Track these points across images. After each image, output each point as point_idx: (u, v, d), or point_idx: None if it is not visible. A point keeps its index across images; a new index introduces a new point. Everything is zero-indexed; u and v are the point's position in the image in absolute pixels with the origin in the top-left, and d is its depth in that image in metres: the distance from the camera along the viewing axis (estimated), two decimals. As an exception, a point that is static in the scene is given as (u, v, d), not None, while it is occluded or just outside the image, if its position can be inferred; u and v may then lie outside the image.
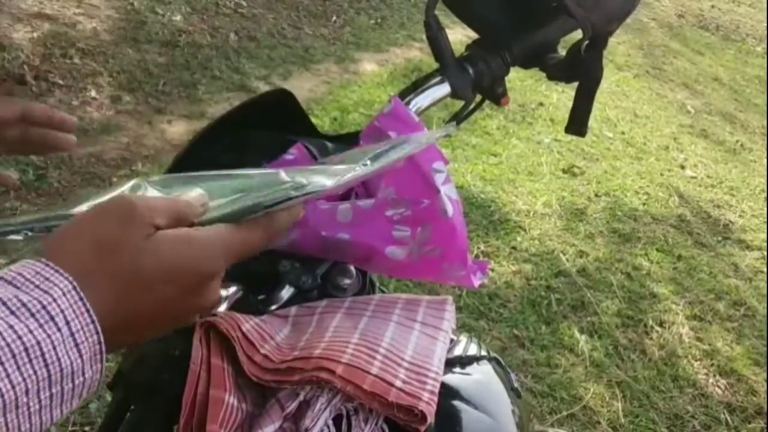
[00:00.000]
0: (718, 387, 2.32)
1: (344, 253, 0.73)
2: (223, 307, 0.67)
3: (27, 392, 0.34)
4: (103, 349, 0.37)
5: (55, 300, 0.35)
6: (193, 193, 0.47)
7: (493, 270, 2.57)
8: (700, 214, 3.39)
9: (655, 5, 7.14)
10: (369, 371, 0.60)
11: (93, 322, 0.36)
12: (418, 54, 4.35)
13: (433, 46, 0.77)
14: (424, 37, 0.78)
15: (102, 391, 1.74)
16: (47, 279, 0.36)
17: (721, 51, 6.34)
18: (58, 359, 0.35)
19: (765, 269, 3.02)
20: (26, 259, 0.37)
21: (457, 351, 0.75)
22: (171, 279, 0.40)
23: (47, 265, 0.37)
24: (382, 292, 0.81)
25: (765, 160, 4.19)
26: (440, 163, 0.70)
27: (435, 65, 0.80)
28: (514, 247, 2.74)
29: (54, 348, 0.35)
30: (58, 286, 0.36)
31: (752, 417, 2.22)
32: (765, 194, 3.76)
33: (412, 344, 0.67)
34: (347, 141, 0.77)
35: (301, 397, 0.60)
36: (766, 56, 6.45)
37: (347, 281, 0.76)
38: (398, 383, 0.60)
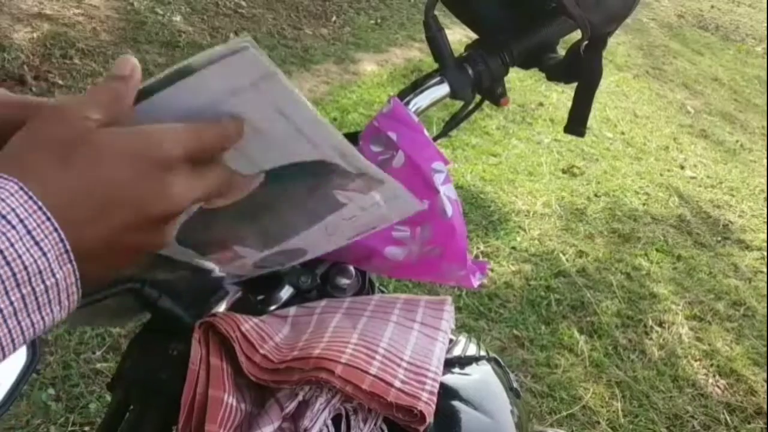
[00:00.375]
0: (718, 387, 2.32)
1: (343, 253, 0.73)
2: (222, 308, 0.67)
3: None
4: (68, 247, 0.36)
5: (3, 200, 0.35)
6: (118, 60, 0.44)
7: (492, 270, 2.57)
8: (700, 214, 3.39)
9: (655, 5, 7.14)
10: (368, 371, 0.60)
11: (48, 219, 0.36)
12: (418, 54, 4.35)
13: (433, 46, 0.77)
14: (423, 37, 0.78)
15: (101, 392, 1.74)
16: None
17: (721, 51, 6.34)
18: (19, 256, 0.34)
19: (765, 269, 3.03)
20: None
21: (456, 351, 0.75)
22: (120, 163, 0.39)
23: None
24: (382, 292, 0.81)
25: (765, 160, 4.19)
26: (440, 163, 0.70)
27: (434, 65, 0.80)
28: (513, 247, 2.74)
29: (12, 245, 0.34)
30: (4, 188, 0.35)
31: (752, 417, 2.22)
32: (765, 194, 3.76)
33: (411, 344, 0.67)
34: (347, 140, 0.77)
35: (300, 397, 0.60)
36: (766, 56, 6.45)
37: (346, 281, 0.76)
38: (397, 383, 0.60)
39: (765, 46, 6.67)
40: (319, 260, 0.75)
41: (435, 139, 0.76)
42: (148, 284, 0.61)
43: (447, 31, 0.79)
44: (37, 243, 0.35)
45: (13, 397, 0.60)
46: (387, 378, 0.60)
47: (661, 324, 2.54)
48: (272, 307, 0.72)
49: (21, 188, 0.36)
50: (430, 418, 0.59)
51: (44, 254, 0.35)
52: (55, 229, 0.36)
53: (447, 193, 0.70)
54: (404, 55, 4.32)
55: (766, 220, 3.46)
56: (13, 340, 0.35)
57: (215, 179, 0.45)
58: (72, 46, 3.25)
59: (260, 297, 0.72)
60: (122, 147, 0.39)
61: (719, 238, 3.21)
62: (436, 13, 0.78)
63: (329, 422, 0.59)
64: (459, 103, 0.83)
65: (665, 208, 3.36)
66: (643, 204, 3.34)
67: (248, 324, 0.62)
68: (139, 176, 0.39)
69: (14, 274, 0.34)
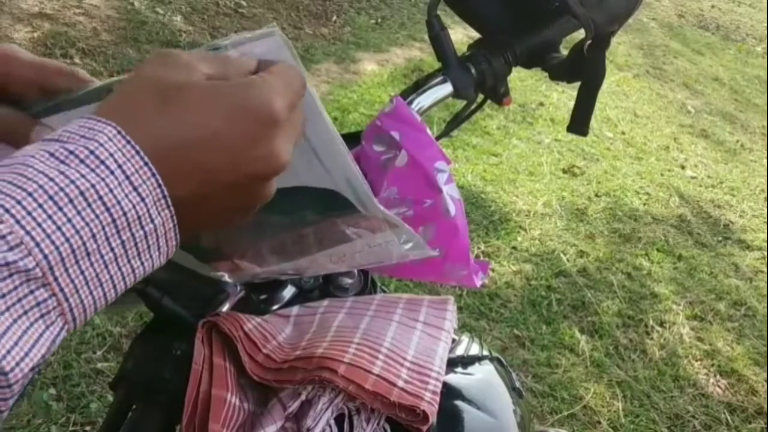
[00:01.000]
0: (719, 387, 2.32)
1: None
2: (225, 307, 0.67)
3: (94, 237, 0.33)
4: (165, 193, 0.35)
5: (102, 145, 0.34)
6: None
7: (493, 270, 2.57)
8: (701, 214, 3.39)
9: (655, 5, 7.14)
10: (371, 371, 0.60)
11: (146, 164, 0.35)
12: (419, 54, 4.35)
13: (435, 45, 0.77)
14: (424, 36, 0.78)
15: (102, 391, 1.74)
16: (91, 129, 0.35)
17: (721, 51, 6.34)
18: (118, 202, 0.34)
19: (765, 269, 3.02)
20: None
21: (459, 351, 0.75)
22: (226, 118, 0.37)
23: (90, 118, 0.36)
24: (384, 292, 0.81)
25: (765, 160, 4.19)
26: (442, 162, 0.70)
27: (436, 65, 0.80)
28: (514, 247, 2.74)
29: (111, 191, 0.34)
30: (102, 132, 0.35)
31: (753, 417, 2.22)
32: (765, 194, 3.76)
33: (414, 344, 0.67)
34: (349, 140, 0.77)
35: (303, 397, 0.60)
36: (766, 56, 6.45)
37: (349, 281, 0.76)
38: (400, 383, 0.60)
39: (765, 45, 6.67)
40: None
41: (437, 138, 0.75)
42: (151, 284, 0.61)
43: (449, 31, 0.79)
44: (135, 188, 0.34)
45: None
46: (390, 378, 0.60)
47: (662, 324, 2.54)
48: (275, 307, 0.71)
49: (119, 132, 0.35)
50: (433, 418, 0.59)
51: (142, 200, 0.35)
52: (153, 175, 0.35)
53: (450, 192, 0.70)
54: (405, 54, 4.32)
55: (766, 220, 3.46)
56: (114, 286, 0.35)
57: (301, 123, 0.43)
58: (72, 46, 3.25)
59: (263, 297, 0.72)
60: (224, 101, 0.38)
61: (720, 238, 3.21)
62: (438, 12, 0.78)
63: (332, 422, 0.59)
64: (460, 103, 0.83)
65: (666, 208, 3.36)
66: (644, 204, 3.34)
67: (251, 323, 0.62)
68: (240, 133, 0.38)
69: (114, 220, 0.34)
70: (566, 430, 2.00)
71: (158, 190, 0.35)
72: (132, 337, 0.70)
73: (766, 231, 3.34)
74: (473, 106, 0.83)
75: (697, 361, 2.41)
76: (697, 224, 3.28)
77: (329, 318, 0.68)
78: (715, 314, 2.66)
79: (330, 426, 0.59)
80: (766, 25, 7.06)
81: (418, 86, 0.78)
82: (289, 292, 0.73)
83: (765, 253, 3.15)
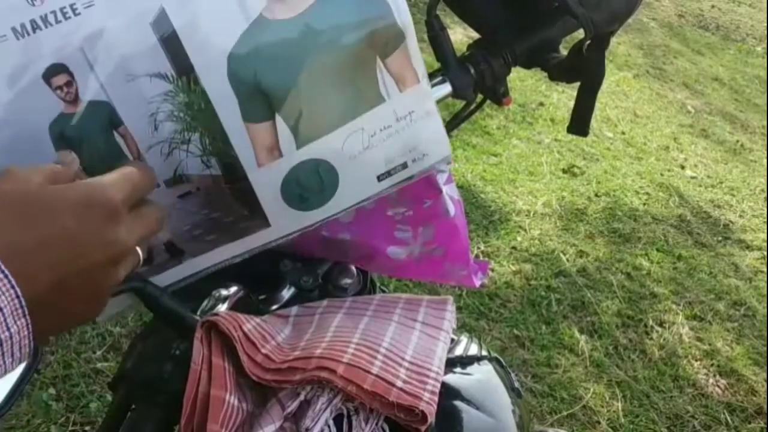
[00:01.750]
0: (718, 387, 2.32)
1: (345, 252, 0.73)
2: (224, 307, 0.67)
3: None
4: (23, 303, 0.38)
5: None
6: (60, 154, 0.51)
7: (493, 270, 2.57)
8: (700, 214, 3.39)
9: (655, 5, 7.13)
10: (370, 371, 0.60)
11: (6, 276, 0.38)
12: (419, 54, 4.34)
13: (435, 45, 0.77)
14: (424, 36, 0.78)
15: (102, 391, 1.74)
16: None
17: (721, 51, 6.34)
18: None
19: (765, 269, 3.03)
20: None
21: (458, 351, 0.75)
22: (69, 215, 0.42)
23: None
24: (383, 291, 0.81)
25: (765, 160, 4.19)
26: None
27: (435, 65, 0.80)
28: (514, 247, 2.74)
29: None
30: None
31: (752, 417, 2.22)
32: (765, 194, 3.76)
33: (413, 344, 0.67)
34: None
35: (301, 397, 0.60)
36: (766, 56, 6.45)
37: (348, 281, 0.76)
38: (399, 383, 0.60)
39: (765, 45, 6.67)
40: (321, 260, 0.76)
41: (437, 138, 0.75)
42: (150, 283, 0.61)
43: (448, 31, 0.79)
44: None
45: (15, 396, 0.60)
46: (389, 378, 0.60)
47: (661, 324, 2.54)
48: (274, 307, 0.72)
49: None
50: (431, 418, 0.59)
51: (0, 309, 0.37)
52: (12, 286, 0.38)
53: (449, 192, 0.70)
54: (405, 54, 4.31)
55: (766, 220, 3.46)
56: None
57: (152, 216, 0.49)
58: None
59: (262, 297, 0.72)
60: (69, 200, 0.43)
61: (720, 238, 3.21)
62: (438, 12, 0.78)
63: (331, 422, 0.59)
64: (460, 103, 0.83)
65: (666, 207, 3.36)
66: (644, 204, 3.34)
67: (250, 324, 0.62)
68: (86, 225, 0.42)
69: None
70: (566, 430, 2.00)
71: (16, 301, 0.38)
72: (131, 337, 0.70)
73: (766, 231, 3.34)
74: (473, 107, 0.83)
75: (696, 361, 2.41)
76: (697, 224, 3.28)
77: (328, 318, 0.68)
78: (714, 314, 2.66)
79: (329, 426, 0.59)
80: (766, 25, 7.06)
81: (418, 86, 0.78)
82: (288, 292, 0.73)
83: (765, 253, 3.15)
